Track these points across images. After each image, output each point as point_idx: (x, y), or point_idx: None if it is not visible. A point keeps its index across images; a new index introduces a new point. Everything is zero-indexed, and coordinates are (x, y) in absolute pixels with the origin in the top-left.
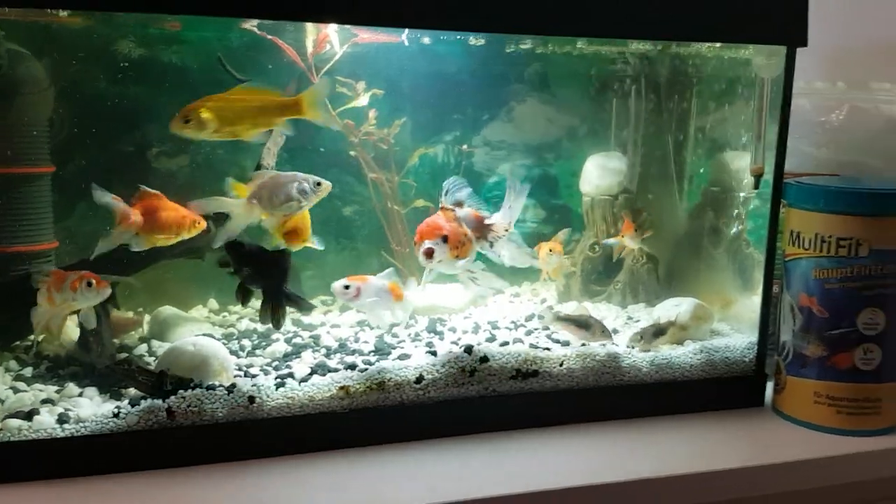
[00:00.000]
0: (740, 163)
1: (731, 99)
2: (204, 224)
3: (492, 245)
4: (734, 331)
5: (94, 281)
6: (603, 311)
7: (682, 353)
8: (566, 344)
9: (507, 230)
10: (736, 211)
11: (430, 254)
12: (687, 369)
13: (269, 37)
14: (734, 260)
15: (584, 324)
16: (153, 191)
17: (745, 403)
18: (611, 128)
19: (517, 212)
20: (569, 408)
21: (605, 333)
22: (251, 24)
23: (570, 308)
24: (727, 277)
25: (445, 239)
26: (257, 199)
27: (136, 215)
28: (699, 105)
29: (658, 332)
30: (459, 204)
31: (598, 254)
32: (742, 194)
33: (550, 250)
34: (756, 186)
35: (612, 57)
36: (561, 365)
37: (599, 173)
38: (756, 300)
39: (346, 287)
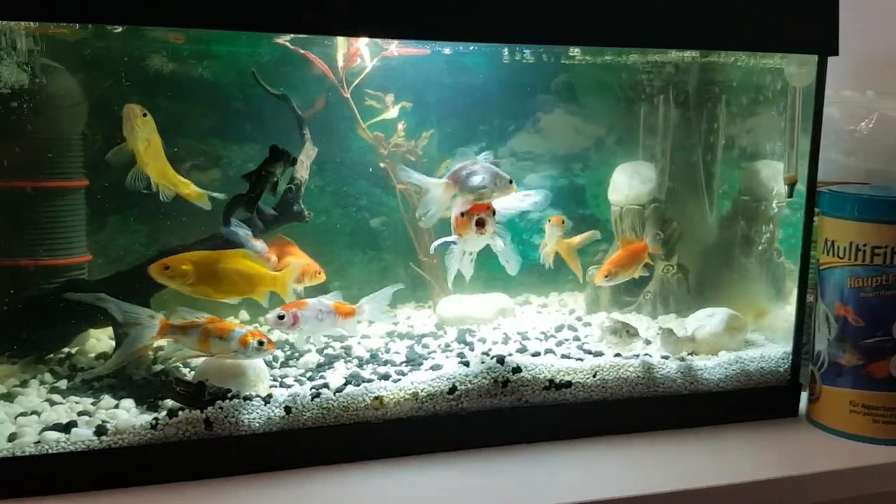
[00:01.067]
0: (771, 172)
1: (762, 108)
2: (323, 276)
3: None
4: (768, 341)
5: (265, 341)
6: (633, 321)
7: (716, 364)
8: (598, 355)
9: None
10: (767, 220)
11: (482, 224)
12: (721, 380)
13: (302, 51)
14: (766, 269)
15: (613, 331)
16: (287, 238)
17: (779, 414)
18: (639, 137)
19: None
20: (602, 419)
21: (633, 335)
22: (284, 39)
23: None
24: (759, 287)
25: (494, 212)
26: (454, 181)
27: (272, 257)
28: (729, 114)
29: (632, 332)
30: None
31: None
32: (774, 202)
33: (550, 220)
34: (790, 195)
35: (641, 66)
36: (594, 376)
37: (629, 182)
38: (789, 310)
39: (281, 317)
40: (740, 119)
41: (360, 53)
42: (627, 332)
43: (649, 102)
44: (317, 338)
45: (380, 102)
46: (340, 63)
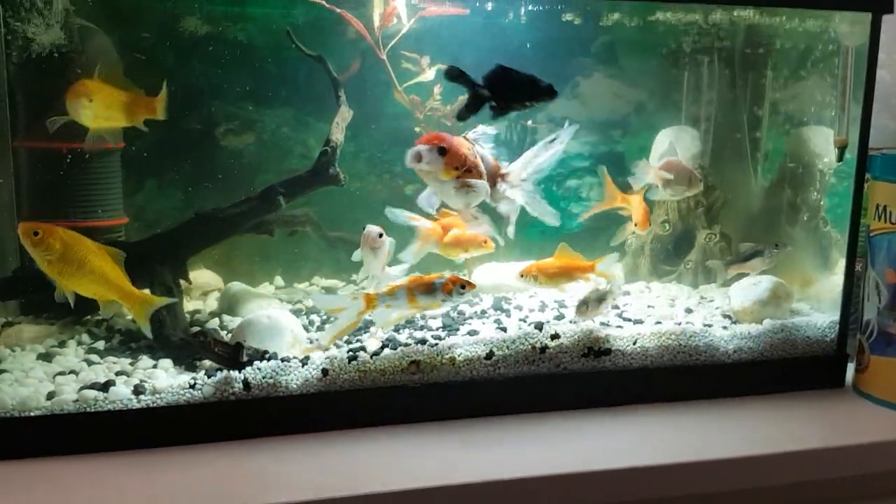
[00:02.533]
0: (818, 138)
1: (810, 71)
2: (492, 246)
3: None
4: (814, 310)
5: (466, 284)
6: (674, 291)
7: (760, 332)
8: (638, 322)
9: (523, 180)
10: (814, 187)
11: (418, 158)
12: (766, 349)
13: (338, 10)
14: (812, 238)
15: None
16: (452, 211)
17: (825, 384)
18: (682, 101)
19: (538, 166)
20: (642, 387)
21: (592, 306)
22: None
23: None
24: (805, 256)
25: (443, 151)
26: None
27: (436, 233)
28: (776, 78)
29: (600, 298)
30: (477, 141)
31: (668, 231)
32: (821, 169)
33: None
34: (840, 159)
35: (684, 28)
36: (634, 343)
37: (671, 148)
38: (835, 279)
39: (381, 236)
40: (788, 83)
41: (396, 13)
42: (595, 300)
43: (693, 65)
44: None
45: (415, 65)
46: (377, 23)
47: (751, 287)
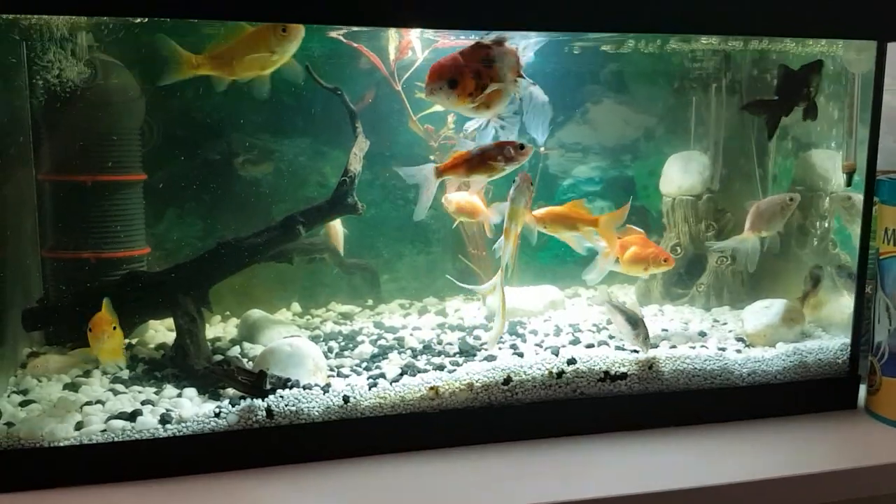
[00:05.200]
0: (826, 161)
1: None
2: (673, 262)
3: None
4: (825, 332)
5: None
6: (686, 314)
7: (773, 356)
8: (654, 346)
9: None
10: (822, 210)
11: (432, 94)
12: (779, 372)
13: (355, 45)
14: (821, 261)
15: (633, 321)
16: (637, 228)
17: (837, 406)
18: (691, 127)
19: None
20: (658, 411)
21: (646, 342)
22: (338, 33)
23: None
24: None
25: (454, 84)
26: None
27: (615, 250)
28: None
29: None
30: (500, 41)
31: (679, 255)
32: (830, 192)
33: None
34: (848, 184)
35: (693, 55)
36: (650, 368)
37: (682, 173)
38: (844, 301)
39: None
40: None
41: (411, 46)
42: (627, 318)
43: (701, 92)
44: None
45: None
46: (392, 56)
47: (763, 310)
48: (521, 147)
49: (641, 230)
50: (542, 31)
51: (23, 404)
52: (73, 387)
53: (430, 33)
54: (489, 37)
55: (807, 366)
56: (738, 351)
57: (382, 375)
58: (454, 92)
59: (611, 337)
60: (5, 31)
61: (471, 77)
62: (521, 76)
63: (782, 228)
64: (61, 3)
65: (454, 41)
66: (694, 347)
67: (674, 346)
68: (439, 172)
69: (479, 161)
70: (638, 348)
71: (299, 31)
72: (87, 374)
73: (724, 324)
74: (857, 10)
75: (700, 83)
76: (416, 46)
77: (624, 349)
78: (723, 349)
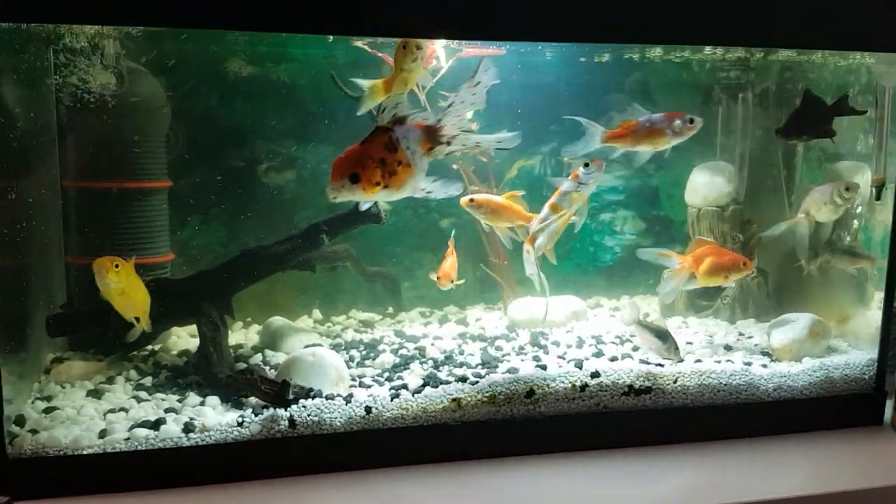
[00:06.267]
0: (854, 173)
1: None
2: (752, 266)
3: (449, 143)
4: (851, 347)
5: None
6: (711, 326)
7: (800, 371)
8: (680, 361)
9: (461, 129)
10: (850, 223)
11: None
12: (805, 387)
13: (380, 55)
14: (848, 273)
15: (662, 335)
16: (708, 240)
17: (863, 422)
18: (717, 138)
19: (467, 106)
20: (683, 426)
21: (677, 353)
22: (362, 42)
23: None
24: (842, 291)
25: (356, 178)
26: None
27: (688, 263)
28: None
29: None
30: (401, 120)
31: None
32: (858, 206)
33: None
34: (877, 198)
35: (720, 65)
36: (675, 382)
37: (707, 184)
38: (872, 315)
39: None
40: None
41: (435, 55)
42: (655, 334)
43: (728, 102)
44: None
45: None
46: None
47: (789, 325)
48: (692, 121)
49: (712, 239)
50: (569, 41)
51: (46, 411)
52: (96, 394)
53: (454, 42)
54: (385, 117)
55: (833, 381)
56: (764, 366)
57: (405, 386)
58: (358, 186)
59: (635, 349)
60: (32, 37)
61: (374, 166)
62: (434, 146)
63: (837, 216)
64: (65, 12)
65: (477, 50)
66: (719, 362)
67: (699, 360)
68: (607, 137)
69: (646, 133)
70: (670, 359)
71: (418, 46)
72: (110, 380)
73: (750, 337)
74: (889, 23)
75: (728, 92)
76: (441, 55)
77: (649, 363)
78: (748, 363)
